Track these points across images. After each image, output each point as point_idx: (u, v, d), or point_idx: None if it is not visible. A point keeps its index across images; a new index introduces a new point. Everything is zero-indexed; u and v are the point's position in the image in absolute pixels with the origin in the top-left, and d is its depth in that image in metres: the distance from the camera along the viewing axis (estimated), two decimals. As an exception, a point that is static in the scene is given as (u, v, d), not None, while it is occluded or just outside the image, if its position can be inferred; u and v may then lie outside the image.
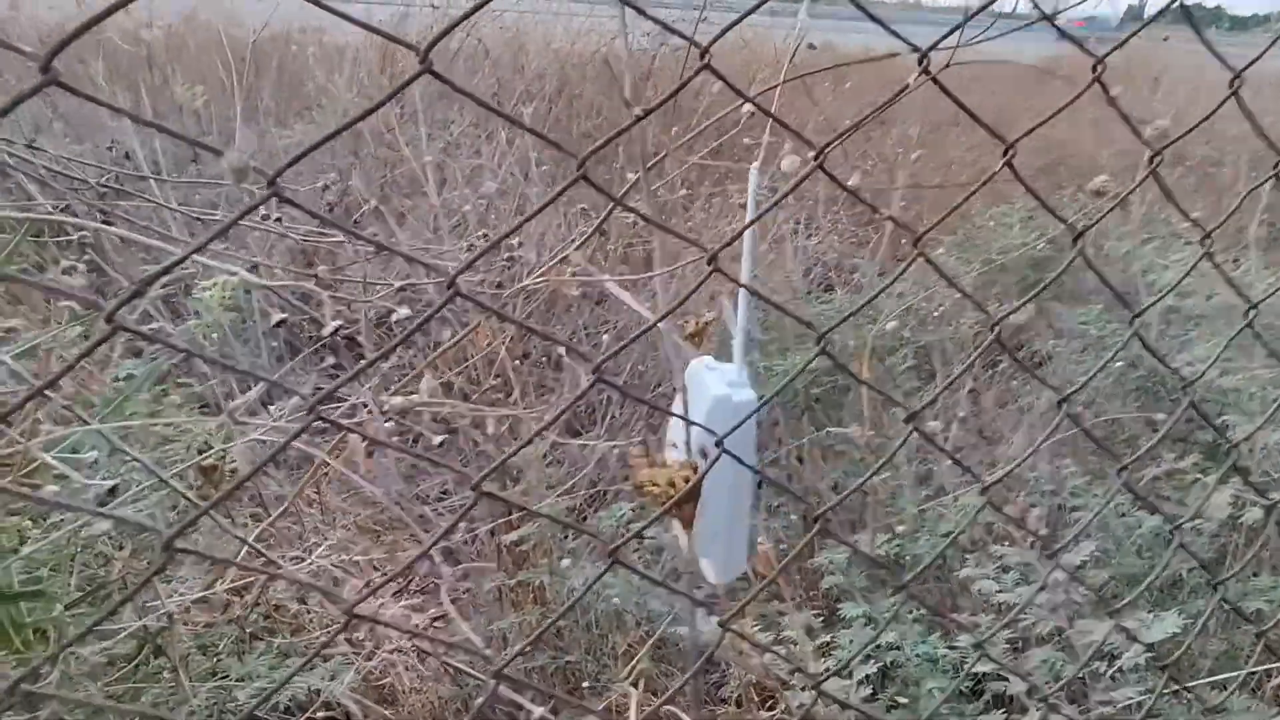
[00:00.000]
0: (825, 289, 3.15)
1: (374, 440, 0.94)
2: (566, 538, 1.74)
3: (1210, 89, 5.82)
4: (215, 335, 0.94)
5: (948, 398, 2.43)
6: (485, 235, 2.18)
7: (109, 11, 0.39)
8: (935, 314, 2.48)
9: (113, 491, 0.75)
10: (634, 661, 1.49)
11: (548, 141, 0.50)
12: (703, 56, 0.47)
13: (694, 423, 0.67)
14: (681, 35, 0.51)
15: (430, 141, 3.53)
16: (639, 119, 0.47)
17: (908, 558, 1.77)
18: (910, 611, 1.54)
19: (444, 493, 2.23)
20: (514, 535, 1.66)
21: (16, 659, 0.78)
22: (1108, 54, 0.64)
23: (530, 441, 0.51)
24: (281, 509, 1.05)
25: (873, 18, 0.59)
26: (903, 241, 3.59)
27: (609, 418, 2.57)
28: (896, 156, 4.05)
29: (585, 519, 2.05)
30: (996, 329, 0.67)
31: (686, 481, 0.57)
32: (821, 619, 1.52)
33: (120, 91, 3.80)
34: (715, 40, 0.48)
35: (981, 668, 1.32)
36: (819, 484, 2.00)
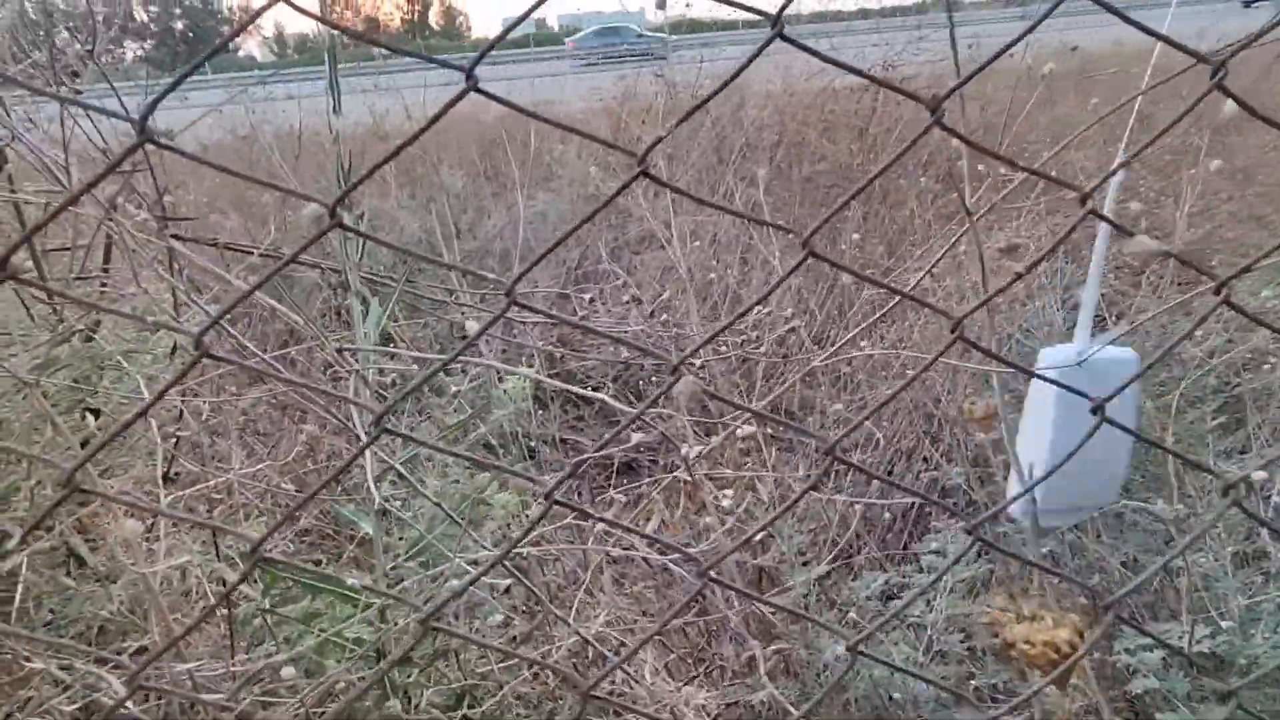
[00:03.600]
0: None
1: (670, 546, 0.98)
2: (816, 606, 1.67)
3: None
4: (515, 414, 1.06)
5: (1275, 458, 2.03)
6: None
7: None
8: (1248, 357, 2.09)
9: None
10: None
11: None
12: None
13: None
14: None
15: (653, 199, 3.72)
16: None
17: (1240, 658, 1.48)
18: (1253, 729, 1.28)
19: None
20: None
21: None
22: None
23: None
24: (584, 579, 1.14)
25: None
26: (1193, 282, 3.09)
27: (849, 471, 2.48)
28: (1173, 167, 3.53)
29: (834, 583, 1.97)
30: None
31: (1073, 649, 0.46)
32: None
33: (399, 182, 4.44)
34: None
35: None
36: (1109, 561, 1.75)
